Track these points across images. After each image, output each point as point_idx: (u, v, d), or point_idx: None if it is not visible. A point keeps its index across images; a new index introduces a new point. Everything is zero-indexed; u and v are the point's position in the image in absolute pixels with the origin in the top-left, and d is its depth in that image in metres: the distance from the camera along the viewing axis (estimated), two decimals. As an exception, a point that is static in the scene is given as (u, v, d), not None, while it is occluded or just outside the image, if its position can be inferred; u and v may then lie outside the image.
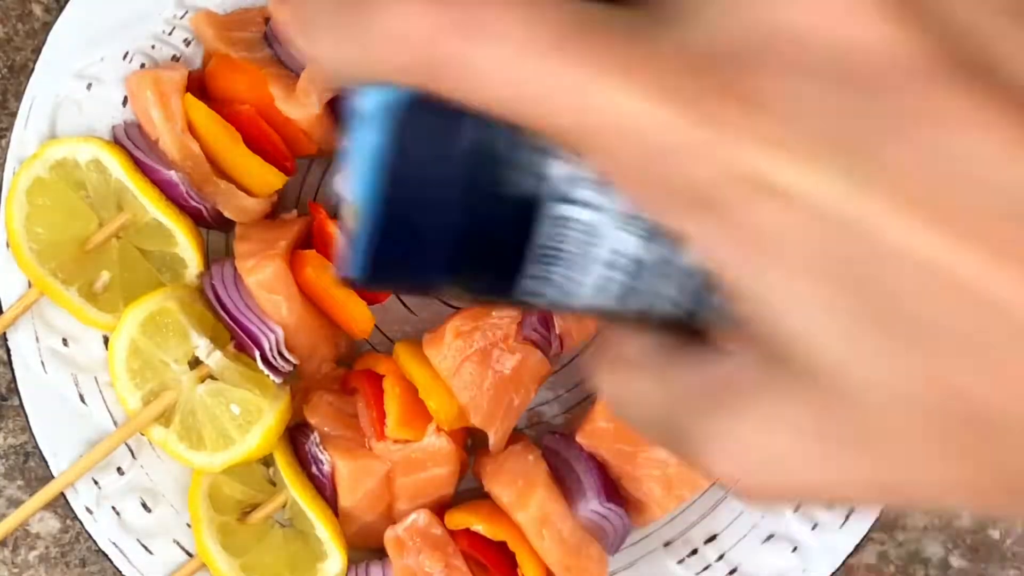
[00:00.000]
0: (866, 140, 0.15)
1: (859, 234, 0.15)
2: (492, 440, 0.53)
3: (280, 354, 0.53)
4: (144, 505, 0.55)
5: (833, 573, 0.56)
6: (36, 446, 0.54)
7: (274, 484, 0.55)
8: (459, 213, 0.18)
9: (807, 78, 0.16)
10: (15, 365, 0.54)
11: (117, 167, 0.53)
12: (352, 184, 0.19)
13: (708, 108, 0.15)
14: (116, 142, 0.54)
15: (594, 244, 0.19)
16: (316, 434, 0.54)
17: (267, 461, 0.55)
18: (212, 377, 0.53)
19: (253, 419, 0.52)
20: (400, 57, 0.17)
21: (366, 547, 0.55)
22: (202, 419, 0.52)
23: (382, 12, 0.17)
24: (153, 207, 0.53)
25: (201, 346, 0.52)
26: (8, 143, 0.55)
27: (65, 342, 0.55)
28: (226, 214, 0.54)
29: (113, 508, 0.54)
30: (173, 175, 0.53)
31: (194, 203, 0.53)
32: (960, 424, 0.16)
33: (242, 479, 0.55)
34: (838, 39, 0.16)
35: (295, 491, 0.53)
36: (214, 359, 0.52)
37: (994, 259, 0.15)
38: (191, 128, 0.53)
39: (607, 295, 0.20)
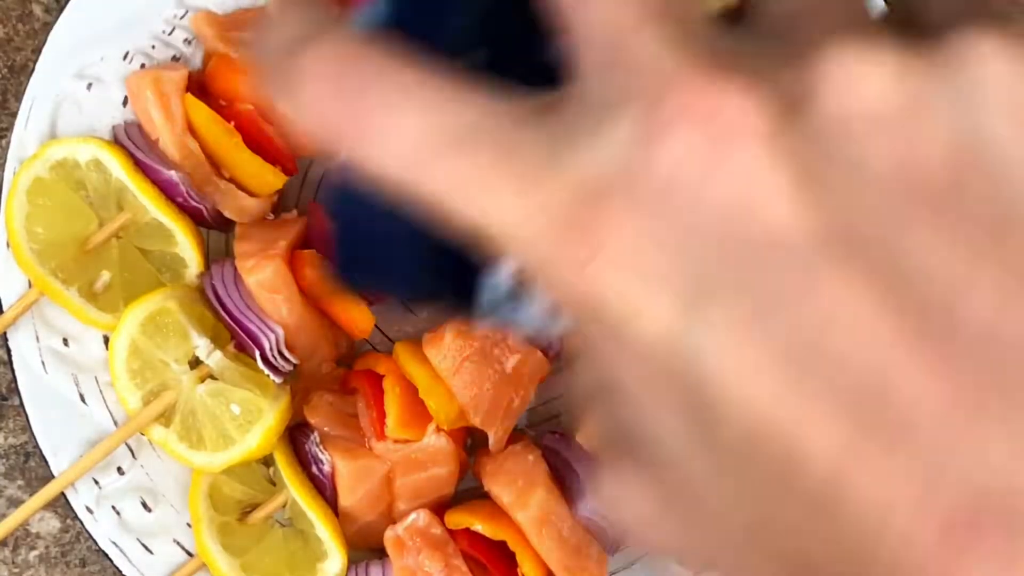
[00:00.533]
0: (723, 286, 0.16)
1: (700, 376, 0.16)
2: (492, 440, 0.53)
3: (280, 354, 0.53)
4: (144, 505, 0.55)
5: (833, 573, 0.56)
6: (36, 446, 0.54)
7: (274, 484, 0.55)
8: (411, 251, 0.20)
9: (687, 227, 0.17)
10: (15, 365, 0.54)
11: (117, 167, 0.53)
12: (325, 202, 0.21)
13: (585, 233, 0.17)
14: (116, 142, 0.54)
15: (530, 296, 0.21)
16: (316, 434, 0.54)
17: (267, 461, 0.55)
18: (212, 377, 0.53)
19: (253, 419, 0.52)
20: (315, 120, 0.18)
21: (366, 547, 0.55)
22: (202, 419, 0.52)
23: (301, 83, 0.18)
24: (153, 207, 0.53)
25: (201, 346, 0.52)
26: (8, 143, 0.55)
27: (65, 342, 0.55)
28: (226, 214, 0.54)
29: (113, 508, 0.54)
30: (173, 175, 0.53)
31: (194, 203, 0.53)
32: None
33: (242, 479, 0.55)
34: (731, 196, 0.16)
35: (295, 491, 0.53)
36: (214, 359, 0.52)
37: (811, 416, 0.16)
38: (191, 128, 0.53)
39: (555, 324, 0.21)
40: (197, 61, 0.56)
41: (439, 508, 0.55)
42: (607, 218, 0.16)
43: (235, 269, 0.53)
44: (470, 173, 0.17)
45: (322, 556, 0.53)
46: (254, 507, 0.54)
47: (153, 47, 0.55)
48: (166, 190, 0.53)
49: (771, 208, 0.16)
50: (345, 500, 0.53)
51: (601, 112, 0.17)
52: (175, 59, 0.56)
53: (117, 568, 0.54)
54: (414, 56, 0.18)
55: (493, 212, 0.17)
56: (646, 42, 0.17)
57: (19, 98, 0.56)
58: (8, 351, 0.54)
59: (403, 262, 0.20)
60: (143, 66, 0.55)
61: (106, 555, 0.54)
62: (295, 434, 0.55)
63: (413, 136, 0.17)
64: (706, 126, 0.16)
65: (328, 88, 0.18)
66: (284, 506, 0.54)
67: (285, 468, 0.53)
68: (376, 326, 0.54)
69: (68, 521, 0.59)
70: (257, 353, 0.52)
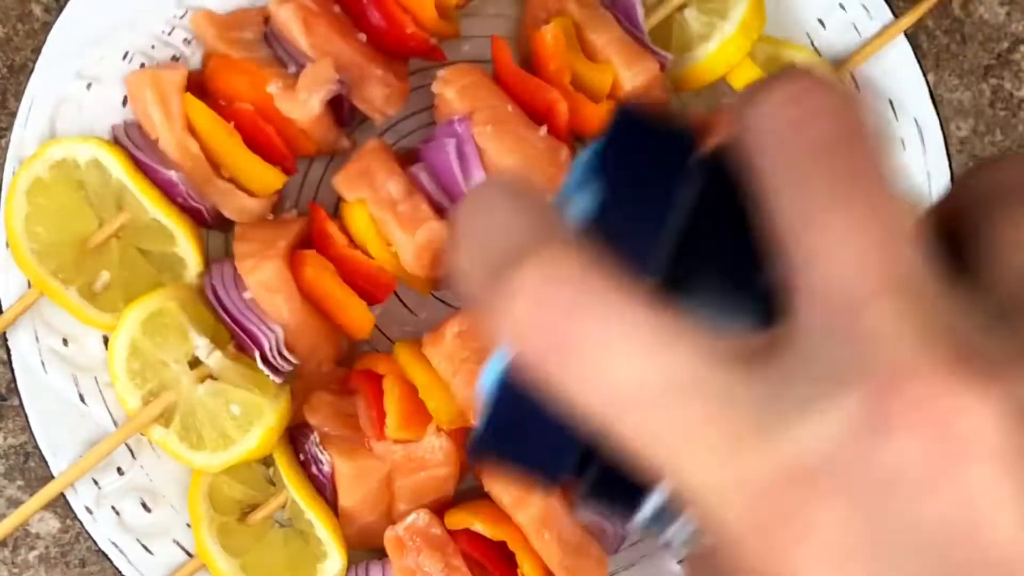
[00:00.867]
0: None
1: None
2: None
3: (280, 354, 0.53)
4: (144, 505, 0.55)
5: (833, 573, 0.56)
6: (36, 446, 0.54)
7: (274, 484, 0.55)
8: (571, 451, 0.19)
9: (900, 533, 0.15)
10: (15, 365, 0.54)
11: (117, 167, 0.53)
12: (483, 384, 0.20)
13: (787, 518, 0.16)
14: (116, 142, 0.54)
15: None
16: (316, 434, 0.54)
17: (267, 461, 0.55)
18: (212, 377, 0.53)
19: (253, 419, 0.52)
20: (519, 341, 0.18)
21: (366, 547, 0.55)
22: (202, 419, 0.52)
23: (509, 297, 0.17)
24: (153, 207, 0.53)
25: (201, 346, 0.52)
26: (8, 143, 0.55)
27: (65, 342, 0.55)
28: (226, 214, 0.54)
29: (113, 508, 0.54)
30: (173, 175, 0.53)
31: (194, 203, 0.53)
32: None
33: (242, 479, 0.55)
34: (953, 511, 0.15)
35: (295, 491, 0.53)
36: (214, 359, 0.52)
37: None
38: (191, 128, 0.53)
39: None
40: (197, 61, 0.56)
41: (439, 508, 0.54)
42: (815, 506, 0.15)
43: (235, 269, 0.53)
44: (672, 429, 0.16)
45: (322, 557, 0.53)
46: (254, 507, 0.54)
47: (153, 47, 0.55)
48: (166, 190, 0.53)
49: (994, 529, 0.15)
50: (345, 500, 0.53)
51: (821, 382, 0.16)
52: (175, 59, 0.56)
53: (117, 568, 0.54)
54: (626, 273, 0.17)
55: (689, 473, 0.16)
56: (882, 315, 0.15)
57: (19, 98, 0.56)
58: (8, 351, 0.54)
59: (555, 457, 0.19)
60: (143, 66, 0.55)
61: (106, 555, 0.54)
62: (295, 434, 0.55)
63: (621, 378, 0.16)
64: (940, 431, 0.15)
65: (538, 312, 0.17)
66: (284, 506, 0.54)
67: (285, 468, 0.53)
68: (376, 326, 0.54)
69: (68, 521, 0.59)
70: (257, 353, 0.52)
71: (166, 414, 0.53)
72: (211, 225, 0.55)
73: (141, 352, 0.52)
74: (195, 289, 0.54)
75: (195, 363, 0.53)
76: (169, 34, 0.56)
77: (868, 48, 0.57)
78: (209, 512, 0.53)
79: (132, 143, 0.54)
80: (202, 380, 0.53)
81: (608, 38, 0.55)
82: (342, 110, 0.55)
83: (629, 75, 0.54)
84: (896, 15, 0.57)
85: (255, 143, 0.53)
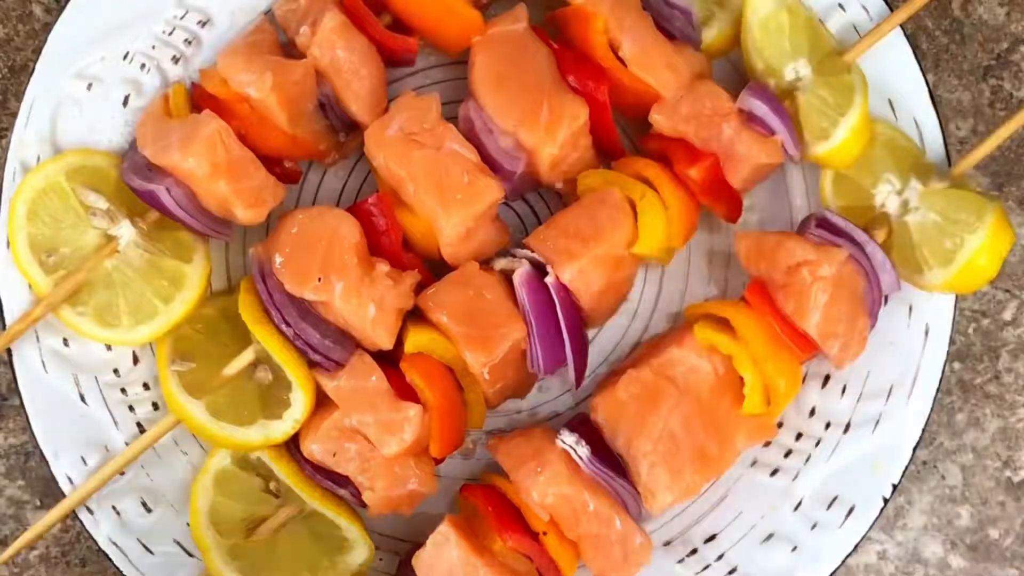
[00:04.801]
0: None
1: None
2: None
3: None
4: (144, 505, 0.55)
5: (832, 573, 0.56)
6: (36, 446, 0.54)
7: (274, 495, 0.54)
8: None
9: None
10: (15, 365, 0.54)
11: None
12: None
13: None
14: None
15: None
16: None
17: (264, 474, 0.54)
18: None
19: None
20: None
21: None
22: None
23: None
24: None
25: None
26: (8, 143, 0.55)
27: (65, 342, 0.55)
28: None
29: (113, 508, 0.55)
30: (163, 189, 0.53)
31: (182, 212, 0.53)
32: None
33: (238, 496, 0.54)
34: None
35: (308, 496, 0.53)
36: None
37: None
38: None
39: None
40: (197, 62, 0.56)
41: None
42: None
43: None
44: None
45: (341, 547, 0.53)
46: (255, 522, 0.54)
47: (153, 47, 0.56)
48: (154, 203, 0.53)
49: None
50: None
51: None
52: (175, 59, 0.56)
53: (117, 568, 0.54)
54: None
55: None
56: None
57: (20, 98, 0.56)
58: (8, 351, 0.54)
59: None
60: (143, 66, 0.55)
61: (106, 555, 0.54)
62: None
63: None
64: None
65: None
66: (300, 512, 0.54)
67: (291, 477, 0.53)
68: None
69: (68, 521, 0.59)
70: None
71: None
72: (208, 233, 0.55)
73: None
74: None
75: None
76: (169, 34, 0.56)
77: (865, 41, 0.57)
78: (216, 539, 0.53)
79: (131, 160, 0.54)
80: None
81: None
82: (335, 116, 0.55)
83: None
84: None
85: (257, 144, 0.53)
